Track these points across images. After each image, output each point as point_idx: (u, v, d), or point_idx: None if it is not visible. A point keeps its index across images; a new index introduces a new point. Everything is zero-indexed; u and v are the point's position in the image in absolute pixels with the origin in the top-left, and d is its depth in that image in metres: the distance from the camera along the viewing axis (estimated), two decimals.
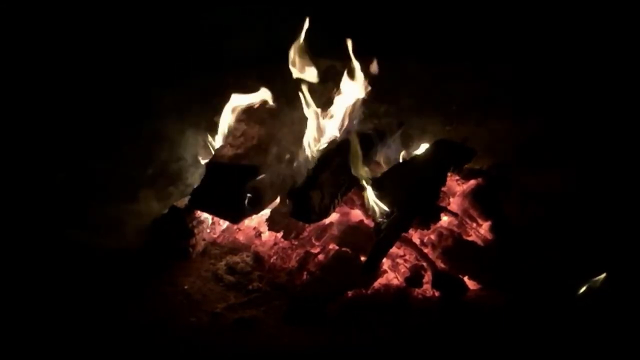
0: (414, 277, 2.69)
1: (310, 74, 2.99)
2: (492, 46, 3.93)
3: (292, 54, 2.98)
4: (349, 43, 3.00)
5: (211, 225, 2.97)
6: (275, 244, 2.87)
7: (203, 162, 3.20)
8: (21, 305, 2.54)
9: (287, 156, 2.98)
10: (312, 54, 2.98)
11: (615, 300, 2.49)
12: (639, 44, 3.96)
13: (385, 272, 2.74)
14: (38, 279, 2.71)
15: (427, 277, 2.70)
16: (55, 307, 2.54)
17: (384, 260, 2.72)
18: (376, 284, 2.69)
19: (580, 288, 2.52)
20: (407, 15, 4.23)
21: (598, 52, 3.91)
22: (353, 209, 2.95)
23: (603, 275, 2.51)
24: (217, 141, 3.14)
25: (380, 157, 3.12)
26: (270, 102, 3.09)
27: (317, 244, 2.83)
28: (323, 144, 3.04)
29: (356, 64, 3.01)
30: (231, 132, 3.06)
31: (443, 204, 2.93)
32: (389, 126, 3.11)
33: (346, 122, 3.10)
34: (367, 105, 3.08)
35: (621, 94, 3.65)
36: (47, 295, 2.60)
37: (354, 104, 3.08)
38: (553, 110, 3.51)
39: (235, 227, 2.99)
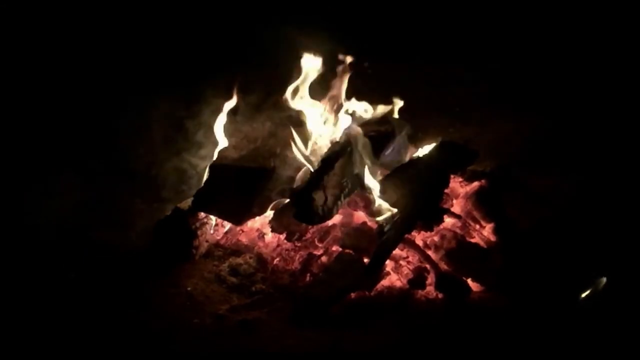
0: (417, 279, 2.69)
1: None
2: (494, 46, 3.91)
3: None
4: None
5: (214, 226, 2.96)
6: (278, 245, 2.87)
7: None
8: (23, 306, 2.54)
9: (290, 158, 2.96)
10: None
11: (618, 303, 2.48)
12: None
13: (388, 274, 2.73)
14: (41, 281, 2.71)
15: (430, 279, 2.69)
16: (57, 309, 2.53)
17: (387, 262, 2.71)
18: (379, 286, 2.68)
19: (584, 292, 2.51)
20: (410, 16, 4.21)
21: (601, 52, 3.89)
22: (356, 210, 2.93)
23: (604, 279, 2.51)
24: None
25: (383, 159, 3.09)
26: None
27: (320, 245, 2.82)
28: (326, 145, 3.02)
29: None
30: (233, 134, 3.07)
31: (446, 206, 2.92)
32: (392, 128, 3.09)
33: (349, 125, 3.08)
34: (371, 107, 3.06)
35: (625, 94, 3.63)
36: (49, 297, 2.59)
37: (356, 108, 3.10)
38: (557, 111, 3.49)
39: (238, 228, 2.99)
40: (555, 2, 4.24)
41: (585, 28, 4.02)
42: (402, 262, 2.77)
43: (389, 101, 3.13)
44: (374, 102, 3.10)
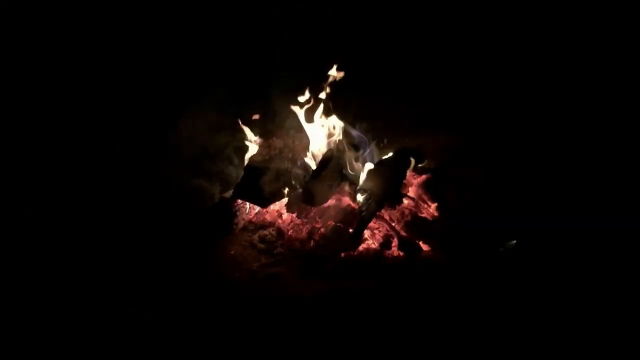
0: (386, 243, 2.63)
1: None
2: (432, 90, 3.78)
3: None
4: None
5: (248, 209, 2.85)
6: (291, 221, 2.79)
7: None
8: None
9: (298, 161, 2.89)
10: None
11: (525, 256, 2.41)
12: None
13: (366, 239, 2.68)
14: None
15: (395, 242, 2.61)
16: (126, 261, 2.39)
17: (365, 231, 2.66)
18: (360, 248, 2.62)
19: (499, 249, 2.43)
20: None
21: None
22: (344, 196, 2.83)
23: (514, 241, 2.43)
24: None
25: (361, 161, 2.99)
26: None
27: (320, 221, 2.72)
28: (322, 152, 2.94)
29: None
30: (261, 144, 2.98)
31: (404, 192, 2.81)
32: (366, 140, 2.98)
33: (335, 138, 2.99)
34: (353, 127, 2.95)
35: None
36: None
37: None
38: (475, 129, 3.40)
39: (264, 210, 2.89)
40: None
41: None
42: (375, 231, 2.69)
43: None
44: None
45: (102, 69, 3.56)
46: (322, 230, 2.66)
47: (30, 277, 2.28)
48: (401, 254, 2.55)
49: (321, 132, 3.02)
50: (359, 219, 2.59)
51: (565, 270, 2.31)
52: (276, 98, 3.07)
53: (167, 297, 2.23)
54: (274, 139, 2.98)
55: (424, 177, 2.88)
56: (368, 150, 3.03)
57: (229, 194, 2.87)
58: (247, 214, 2.85)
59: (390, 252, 2.58)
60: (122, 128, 3.30)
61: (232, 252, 2.61)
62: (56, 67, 3.48)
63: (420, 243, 2.59)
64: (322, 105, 2.99)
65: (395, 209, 2.71)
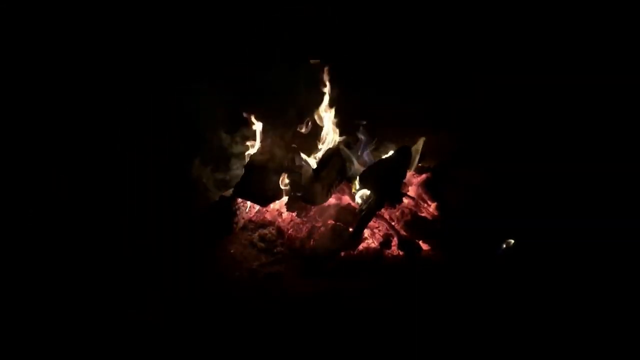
0: (386, 242, 2.62)
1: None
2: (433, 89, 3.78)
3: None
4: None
5: (248, 208, 2.84)
6: (291, 220, 2.78)
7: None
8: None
9: (299, 160, 2.86)
10: None
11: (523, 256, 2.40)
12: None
13: (366, 238, 2.66)
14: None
15: (395, 241, 2.60)
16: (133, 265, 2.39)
17: (365, 230, 2.64)
18: (360, 247, 2.61)
19: (498, 248, 2.43)
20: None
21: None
22: (344, 195, 2.83)
23: (512, 241, 2.42)
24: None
25: (361, 160, 2.98)
26: None
27: (319, 220, 2.71)
28: (322, 151, 2.96)
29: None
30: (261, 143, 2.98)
31: (404, 191, 2.81)
32: (367, 139, 2.98)
33: (335, 137, 2.99)
34: (351, 126, 2.94)
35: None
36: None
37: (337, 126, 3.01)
38: (475, 129, 3.40)
39: (264, 209, 2.88)
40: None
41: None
42: (375, 230, 2.68)
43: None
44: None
45: (102, 69, 3.56)
46: (322, 229, 2.66)
47: (31, 277, 2.28)
48: (401, 253, 2.54)
49: (322, 131, 3.03)
50: (359, 218, 2.59)
51: (564, 270, 2.31)
52: (276, 97, 3.07)
53: (167, 297, 2.22)
54: (275, 138, 2.98)
55: (424, 176, 2.87)
56: (368, 150, 3.04)
57: (229, 193, 2.87)
58: (247, 213, 2.84)
59: (390, 251, 2.57)
60: (122, 128, 3.30)
61: (232, 251, 2.59)
62: (56, 67, 3.48)
63: (420, 242, 2.58)
64: (322, 105, 2.99)
65: (395, 208, 2.71)
